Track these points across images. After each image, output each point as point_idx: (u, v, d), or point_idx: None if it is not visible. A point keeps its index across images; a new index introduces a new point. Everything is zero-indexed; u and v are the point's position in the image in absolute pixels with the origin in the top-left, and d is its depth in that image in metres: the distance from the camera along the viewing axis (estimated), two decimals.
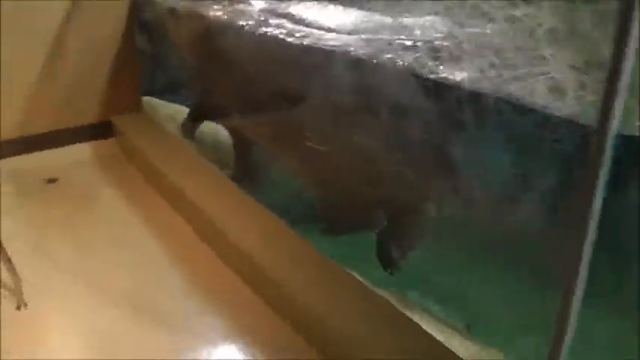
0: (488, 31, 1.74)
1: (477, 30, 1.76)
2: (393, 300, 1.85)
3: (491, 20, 1.76)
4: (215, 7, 2.52)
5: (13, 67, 2.78)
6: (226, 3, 2.53)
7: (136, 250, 2.26)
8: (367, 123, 1.95)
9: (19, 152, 2.86)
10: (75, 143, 2.99)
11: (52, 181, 2.71)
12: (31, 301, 1.96)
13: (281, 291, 1.93)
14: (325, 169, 2.20)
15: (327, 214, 2.32)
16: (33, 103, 2.89)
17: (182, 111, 3.05)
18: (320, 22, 2.20)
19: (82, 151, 2.99)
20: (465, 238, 1.84)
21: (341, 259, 2.01)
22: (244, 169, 2.71)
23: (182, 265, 2.18)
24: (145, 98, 3.17)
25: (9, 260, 2.01)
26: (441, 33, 1.84)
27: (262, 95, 2.33)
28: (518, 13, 1.70)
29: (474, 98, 1.63)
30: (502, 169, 1.65)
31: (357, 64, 1.93)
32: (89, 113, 3.04)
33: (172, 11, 2.76)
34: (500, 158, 1.65)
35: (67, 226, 2.39)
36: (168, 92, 3.14)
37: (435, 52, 1.79)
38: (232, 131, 2.76)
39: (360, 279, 1.93)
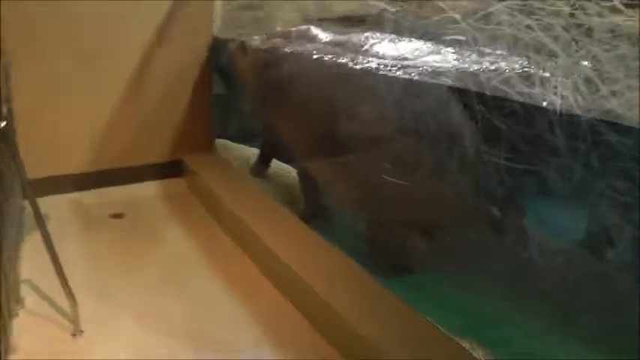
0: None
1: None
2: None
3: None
4: (280, 40, 2.55)
5: (92, 101, 2.81)
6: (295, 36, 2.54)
7: (196, 286, 2.15)
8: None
9: (90, 186, 2.84)
10: (145, 181, 2.96)
11: (117, 216, 2.66)
12: (87, 328, 1.86)
13: (350, 334, 1.76)
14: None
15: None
16: (108, 138, 2.88)
17: (254, 153, 3.02)
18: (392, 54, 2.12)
19: (151, 188, 2.95)
20: None
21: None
22: (313, 208, 2.60)
23: (245, 302, 2.05)
24: (218, 140, 3.16)
25: (68, 287, 1.92)
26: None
27: (327, 134, 2.25)
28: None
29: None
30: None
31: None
32: (161, 152, 3.02)
33: (241, 46, 2.80)
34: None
35: (128, 259, 2.31)
36: (242, 135, 3.13)
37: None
38: (300, 171, 2.70)
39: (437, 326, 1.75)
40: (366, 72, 2.10)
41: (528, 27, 1.67)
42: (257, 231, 2.28)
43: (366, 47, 2.20)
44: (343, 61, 2.20)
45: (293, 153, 2.65)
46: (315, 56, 2.34)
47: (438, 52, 2.00)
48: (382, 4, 2.29)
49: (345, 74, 2.20)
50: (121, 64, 2.84)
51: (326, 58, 2.28)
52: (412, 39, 2.13)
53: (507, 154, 1.69)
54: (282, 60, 2.52)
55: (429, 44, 2.05)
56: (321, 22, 2.69)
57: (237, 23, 3.13)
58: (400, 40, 2.18)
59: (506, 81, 1.67)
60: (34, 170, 2.60)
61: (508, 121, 1.65)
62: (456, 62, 1.86)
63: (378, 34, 2.25)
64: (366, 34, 2.28)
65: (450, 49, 1.92)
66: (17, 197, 2.15)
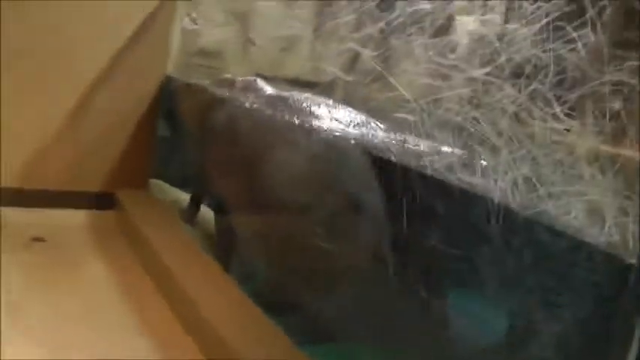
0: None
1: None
2: None
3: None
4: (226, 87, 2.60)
5: (35, 117, 2.76)
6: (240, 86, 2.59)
7: (109, 319, 2.07)
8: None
9: (14, 204, 2.73)
10: (74, 208, 2.87)
11: (38, 239, 2.55)
12: None
13: None
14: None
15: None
16: (42, 157, 2.81)
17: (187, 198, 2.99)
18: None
19: (79, 217, 2.85)
20: None
21: None
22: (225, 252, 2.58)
23: (155, 342, 1.98)
24: (155, 181, 3.12)
25: None
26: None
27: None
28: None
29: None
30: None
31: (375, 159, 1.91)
32: (94, 181, 2.95)
33: (186, 87, 2.84)
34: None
35: (44, 286, 2.21)
36: (180, 180, 3.11)
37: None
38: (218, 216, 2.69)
39: None
40: (296, 129, 2.15)
41: (474, 119, 1.75)
42: (177, 275, 2.22)
43: (305, 107, 2.23)
44: (277, 115, 2.25)
45: (218, 198, 2.65)
46: (253, 106, 2.40)
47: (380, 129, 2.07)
48: (336, 71, 2.36)
49: (275, 128, 2.24)
50: (71, 85, 2.81)
51: (263, 110, 2.34)
52: (356, 110, 2.19)
53: (438, 236, 1.73)
54: (220, 106, 2.55)
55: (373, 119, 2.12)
56: (271, 79, 2.73)
57: (192, 68, 3.16)
58: (343, 108, 2.23)
59: (449, 166, 1.73)
60: None
61: (443, 205, 1.70)
62: (399, 139, 1.91)
63: (320, 98, 2.29)
64: (308, 94, 2.32)
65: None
66: None
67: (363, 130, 2.10)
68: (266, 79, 2.67)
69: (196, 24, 3.22)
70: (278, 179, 2.17)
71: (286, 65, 3.70)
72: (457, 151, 1.75)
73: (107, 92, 2.88)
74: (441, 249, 1.69)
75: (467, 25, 1.99)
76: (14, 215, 2.70)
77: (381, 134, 2.06)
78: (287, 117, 2.21)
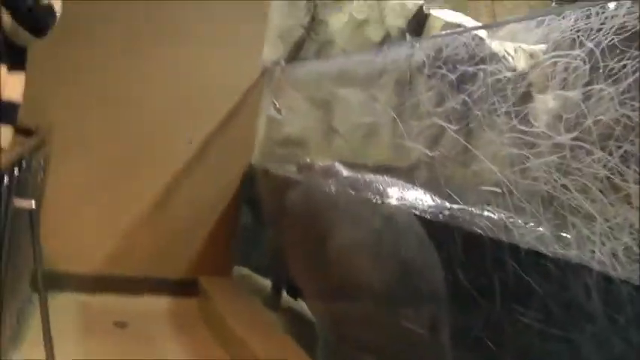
0: None
1: None
2: None
3: None
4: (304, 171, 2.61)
5: (123, 205, 2.82)
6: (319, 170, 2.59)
7: None
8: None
9: (102, 289, 2.76)
10: (157, 294, 2.86)
11: (120, 325, 2.55)
12: None
13: None
14: None
15: None
16: (129, 245, 2.84)
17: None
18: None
19: (162, 303, 2.84)
20: None
21: None
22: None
23: None
24: (238, 268, 3.10)
25: None
26: None
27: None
28: None
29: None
30: None
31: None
32: (177, 268, 2.95)
33: (265, 172, 2.85)
34: None
35: None
36: (263, 268, 3.06)
37: None
38: (315, 311, 2.54)
39: None
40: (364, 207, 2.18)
41: (564, 186, 1.62)
42: None
43: (376, 187, 2.23)
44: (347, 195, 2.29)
45: (295, 281, 2.60)
46: (329, 188, 2.41)
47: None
48: (420, 148, 2.29)
49: (343, 207, 2.28)
50: (158, 176, 2.87)
51: (334, 190, 2.37)
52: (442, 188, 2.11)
53: (537, 314, 1.57)
54: (294, 188, 2.58)
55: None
56: (354, 166, 2.70)
57: (277, 156, 3.18)
58: (415, 189, 2.19)
59: (540, 239, 1.60)
60: (50, 262, 2.58)
61: (539, 281, 1.55)
62: (487, 213, 1.80)
63: (394, 179, 2.29)
64: (384, 177, 2.31)
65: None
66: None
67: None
68: (350, 166, 2.65)
69: (281, 113, 3.25)
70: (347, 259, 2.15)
71: (369, 152, 3.66)
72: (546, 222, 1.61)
73: (193, 180, 2.92)
74: (540, 329, 1.54)
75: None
76: (98, 301, 2.73)
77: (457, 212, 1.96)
78: (356, 195, 2.22)
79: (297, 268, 2.52)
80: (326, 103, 3.65)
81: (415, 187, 2.24)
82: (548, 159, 1.70)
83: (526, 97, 1.90)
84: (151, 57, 2.79)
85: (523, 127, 1.79)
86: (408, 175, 2.41)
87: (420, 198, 2.10)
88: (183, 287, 2.93)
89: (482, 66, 1.91)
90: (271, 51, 3.22)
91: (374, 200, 2.14)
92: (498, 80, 1.92)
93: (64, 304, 2.59)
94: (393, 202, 2.13)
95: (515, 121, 1.81)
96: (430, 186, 2.29)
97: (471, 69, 1.95)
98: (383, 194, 2.17)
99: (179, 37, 2.82)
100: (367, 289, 2.05)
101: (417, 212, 2.03)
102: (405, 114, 2.55)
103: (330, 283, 2.23)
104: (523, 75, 1.91)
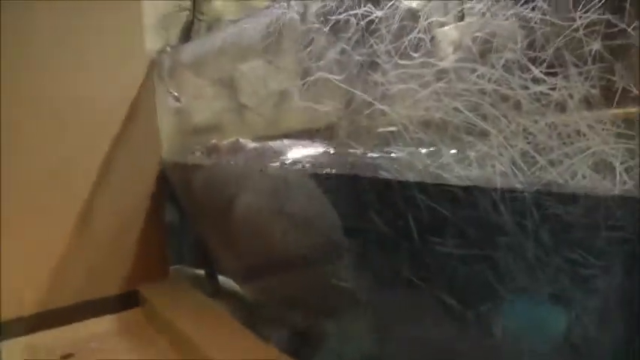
0: None
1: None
2: None
3: None
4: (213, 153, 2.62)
5: (40, 239, 2.67)
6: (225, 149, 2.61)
7: None
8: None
9: (38, 329, 2.64)
10: (99, 315, 2.77)
11: (66, 357, 2.45)
12: None
13: None
14: None
15: None
16: (58, 276, 2.72)
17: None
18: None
19: (105, 322, 2.76)
20: None
21: None
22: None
23: None
24: (174, 267, 3.03)
25: None
26: None
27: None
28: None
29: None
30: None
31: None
32: (114, 284, 2.85)
33: (175, 165, 2.83)
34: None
35: None
36: (196, 259, 3.01)
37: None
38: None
39: None
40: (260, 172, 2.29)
41: (456, 109, 1.61)
42: (213, 351, 2.11)
43: (280, 151, 2.26)
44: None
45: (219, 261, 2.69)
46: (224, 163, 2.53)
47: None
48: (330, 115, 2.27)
49: (241, 176, 2.40)
50: (67, 196, 2.73)
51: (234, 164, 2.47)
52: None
53: (455, 242, 1.57)
54: (196, 172, 2.66)
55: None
56: (271, 137, 2.68)
57: (190, 147, 3.09)
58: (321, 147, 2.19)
59: (443, 166, 1.58)
60: None
61: (451, 207, 1.54)
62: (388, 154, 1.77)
63: (300, 142, 2.31)
64: (288, 141, 2.34)
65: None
66: None
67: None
68: (264, 138, 2.63)
69: (180, 101, 3.15)
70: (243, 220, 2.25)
71: (282, 121, 3.61)
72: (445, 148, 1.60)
73: (108, 191, 2.80)
74: (461, 258, 1.53)
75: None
76: (40, 339, 2.62)
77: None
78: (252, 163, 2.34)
79: (216, 247, 2.59)
80: (229, 80, 3.57)
81: (321, 146, 2.26)
82: (436, 86, 1.69)
83: (402, 33, 1.88)
84: (26, 83, 2.62)
85: (405, 62, 1.77)
86: (319, 136, 2.42)
87: (322, 154, 2.11)
88: (124, 301, 2.84)
89: (350, 12, 1.88)
90: (155, 41, 3.09)
91: (271, 164, 2.23)
92: (371, 22, 1.89)
93: (7, 352, 2.50)
94: (292, 162, 2.18)
95: (396, 58, 1.80)
96: (337, 142, 2.30)
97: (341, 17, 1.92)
98: (284, 157, 2.21)
99: (52, 53, 2.66)
100: (266, 246, 2.18)
101: (320, 168, 2.07)
102: (305, 75, 2.52)
103: (239, 251, 2.35)
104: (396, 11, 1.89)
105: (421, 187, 1.60)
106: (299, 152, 2.21)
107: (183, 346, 2.38)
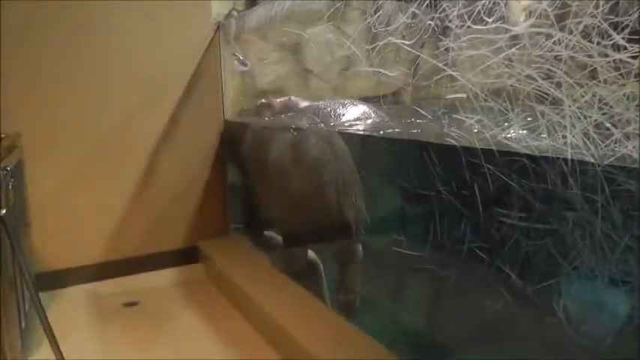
0: None
1: None
2: None
3: None
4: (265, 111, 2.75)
5: (106, 191, 2.74)
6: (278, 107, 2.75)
7: None
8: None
9: (105, 276, 2.72)
10: (160, 269, 2.83)
11: (131, 304, 2.53)
12: None
13: None
14: None
15: None
16: (122, 228, 2.78)
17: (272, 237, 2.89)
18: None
19: (166, 276, 2.81)
20: None
21: None
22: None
23: None
24: (234, 226, 3.05)
25: None
26: None
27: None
28: None
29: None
30: None
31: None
32: (175, 239, 2.90)
33: (238, 125, 2.86)
34: None
35: (138, 344, 2.19)
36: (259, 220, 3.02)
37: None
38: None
39: None
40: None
41: (529, 77, 1.53)
42: (274, 314, 2.13)
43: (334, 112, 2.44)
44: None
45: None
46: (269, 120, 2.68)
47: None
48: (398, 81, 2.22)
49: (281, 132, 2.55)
50: (134, 153, 2.78)
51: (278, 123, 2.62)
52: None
53: (521, 214, 1.51)
54: (246, 130, 2.78)
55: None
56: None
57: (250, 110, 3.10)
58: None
59: (511, 135, 1.52)
60: (51, 263, 2.56)
61: (517, 178, 1.48)
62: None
63: (356, 103, 2.46)
64: (346, 101, 2.48)
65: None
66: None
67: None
68: None
69: (245, 65, 3.14)
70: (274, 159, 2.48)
71: (349, 87, 3.57)
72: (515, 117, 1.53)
73: (171, 152, 2.84)
74: (526, 229, 1.47)
75: None
76: (105, 287, 2.70)
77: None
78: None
79: (264, 201, 2.69)
80: (295, 45, 3.54)
81: (380, 110, 2.27)
82: (509, 52, 1.62)
83: None
84: (99, 47, 2.68)
85: (479, 27, 1.70)
86: (385, 102, 2.38)
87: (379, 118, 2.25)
88: (185, 256, 2.89)
89: None
90: (221, 5, 3.08)
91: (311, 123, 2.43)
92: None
93: (70, 298, 2.59)
94: (346, 121, 2.36)
95: (469, 22, 1.72)
96: (402, 108, 2.26)
97: None
98: (336, 116, 2.38)
99: (125, 15, 2.70)
100: (293, 192, 2.41)
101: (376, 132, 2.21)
102: (374, 40, 2.46)
103: (275, 199, 2.54)
104: None
105: (488, 155, 1.54)
106: (354, 113, 2.32)
107: (240, 302, 2.43)
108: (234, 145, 2.88)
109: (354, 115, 2.37)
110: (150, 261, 2.81)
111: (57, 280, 2.62)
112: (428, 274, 1.87)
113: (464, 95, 1.67)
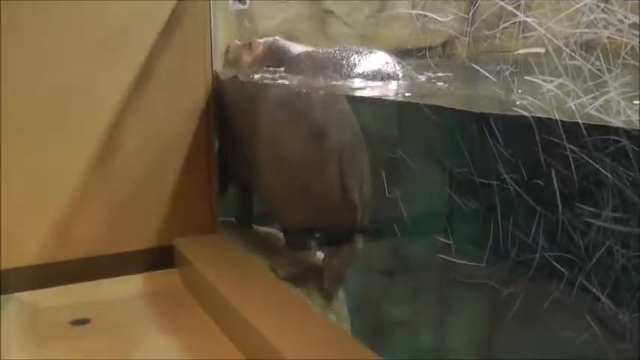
0: None
1: None
2: None
3: None
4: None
5: (50, 171, 2.73)
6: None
7: None
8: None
9: (45, 284, 2.72)
10: (121, 275, 2.84)
11: (81, 322, 2.54)
12: None
13: None
14: None
15: None
16: (71, 219, 2.78)
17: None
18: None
19: (130, 284, 2.83)
20: None
21: None
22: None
23: None
24: (223, 219, 3.08)
25: None
26: None
27: None
28: None
29: None
30: None
31: None
32: (144, 235, 2.91)
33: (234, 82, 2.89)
34: None
35: None
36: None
37: None
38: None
39: None
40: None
41: (633, 26, 1.51)
42: (270, 337, 2.11)
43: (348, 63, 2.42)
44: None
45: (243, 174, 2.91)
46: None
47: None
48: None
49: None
50: (90, 119, 2.77)
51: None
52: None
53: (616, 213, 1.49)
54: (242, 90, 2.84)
55: None
56: None
57: None
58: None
59: (606, 106, 1.50)
60: None
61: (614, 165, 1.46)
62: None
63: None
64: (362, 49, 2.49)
65: None
66: None
67: None
68: None
69: (244, 3, 3.13)
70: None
71: (381, 34, 3.55)
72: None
73: (142, 115, 2.84)
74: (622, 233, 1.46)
75: None
76: (48, 297, 2.70)
77: None
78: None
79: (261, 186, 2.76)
80: None
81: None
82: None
83: None
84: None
85: None
86: (441, 55, 2.38)
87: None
88: (156, 258, 2.91)
89: None
90: None
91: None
92: None
93: (4, 308, 2.60)
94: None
95: None
96: (454, 64, 2.25)
97: None
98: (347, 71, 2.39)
99: None
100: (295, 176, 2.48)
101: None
102: None
103: (273, 182, 2.60)
104: None
105: (572, 132, 1.51)
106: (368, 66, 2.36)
107: (227, 321, 2.44)
108: (226, 111, 2.89)
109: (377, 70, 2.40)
110: (108, 264, 2.82)
111: None
112: (484, 291, 1.87)
113: (541, 50, 1.66)
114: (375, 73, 2.36)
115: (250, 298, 2.41)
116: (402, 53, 2.60)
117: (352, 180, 2.34)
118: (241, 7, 3.12)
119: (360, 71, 2.36)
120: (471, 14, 2.02)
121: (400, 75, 2.36)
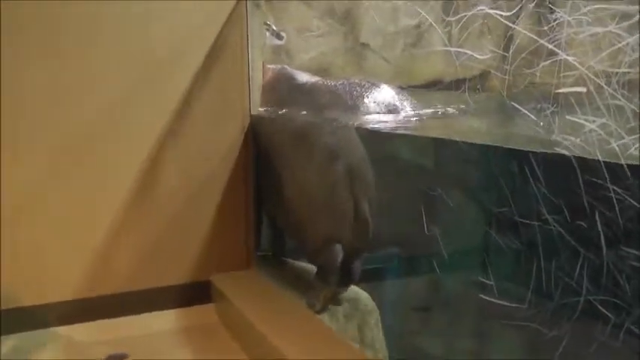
0: None
1: None
2: None
3: None
4: None
5: (90, 206, 2.74)
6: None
7: None
8: None
9: (81, 318, 2.72)
10: (158, 310, 2.84)
11: (118, 357, 2.53)
12: None
13: None
14: None
15: None
16: (107, 255, 2.79)
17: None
18: None
19: (167, 319, 2.83)
20: None
21: None
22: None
23: None
24: (261, 254, 3.09)
25: None
26: None
27: None
28: None
29: None
30: None
31: None
32: (181, 270, 2.91)
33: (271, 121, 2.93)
34: None
35: None
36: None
37: None
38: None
39: None
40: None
41: None
42: None
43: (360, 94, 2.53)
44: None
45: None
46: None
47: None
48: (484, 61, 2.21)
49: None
50: (127, 155, 2.78)
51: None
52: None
53: None
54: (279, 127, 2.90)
55: None
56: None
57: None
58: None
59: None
60: (9, 298, 2.59)
61: None
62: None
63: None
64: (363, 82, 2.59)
65: None
66: None
67: None
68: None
69: (281, 38, 3.15)
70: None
71: (417, 67, 3.55)
72: None
73: (179, 153, 2.86)
74: None
75: None
76: (84, 332, 2.71)
77: None
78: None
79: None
80: (346, 12, 3.55)
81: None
82: None
83: None
84: (86, 14, 2.67)
85: None
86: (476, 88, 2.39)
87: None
88: (193, 293, 2.91)
89: None
90: None
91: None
92: None
93: (35, 344, 2.60)
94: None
95: None
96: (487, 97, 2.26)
97: None
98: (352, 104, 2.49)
99: None
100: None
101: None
102: (458, 8, 2.45)
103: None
104: None
105: (615, 173, 1.50)
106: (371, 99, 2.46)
107: (265, 357, 2.40)
108: (264, 148, 2.89)
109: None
110: (145, 299, 2.83)
111: (17, 320, 2.63)
112: (524, 333, 1.85)
113: (583, 89, 1.64)
114: (378, 105, 2.44)
115: (287, 333, 2.38)
116: (433, 84, 2.65)
117: (361, 192, 2.44)
118: (278, 42, 3.14)
119: (364, 104, 2.44)
120: (510, 51, 2.01)
121: (400, 108, 2.46)
